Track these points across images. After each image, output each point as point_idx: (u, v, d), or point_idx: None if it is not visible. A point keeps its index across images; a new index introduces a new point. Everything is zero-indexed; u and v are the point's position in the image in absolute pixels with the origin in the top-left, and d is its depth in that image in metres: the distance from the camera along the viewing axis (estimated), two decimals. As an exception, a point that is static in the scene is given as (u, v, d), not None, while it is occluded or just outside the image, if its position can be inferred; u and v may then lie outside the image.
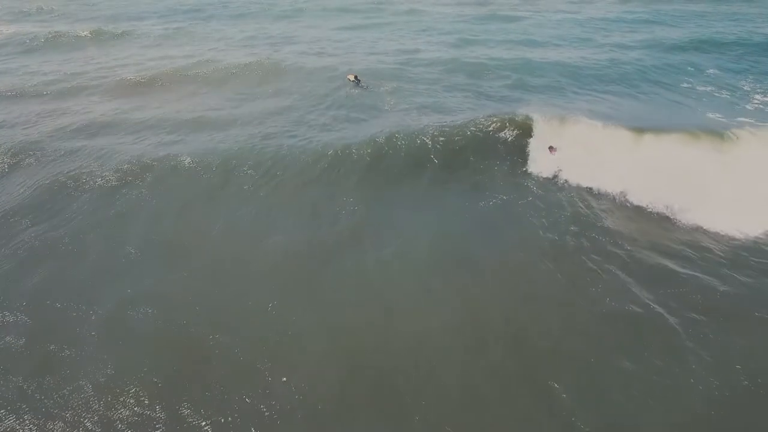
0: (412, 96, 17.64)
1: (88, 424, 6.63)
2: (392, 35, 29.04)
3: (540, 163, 13.03)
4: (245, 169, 12.63)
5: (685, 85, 19.23)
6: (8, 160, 13.37)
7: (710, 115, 15.74)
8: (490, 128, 14.15)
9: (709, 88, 18.67)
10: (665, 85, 19.35)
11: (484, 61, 21.92)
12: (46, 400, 6.89)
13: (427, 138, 13.67)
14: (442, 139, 13.68)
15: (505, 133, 14.04)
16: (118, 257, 9.70)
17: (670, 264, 9.38)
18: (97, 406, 6.83)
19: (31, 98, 18.71)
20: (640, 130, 13.48)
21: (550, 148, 13.27)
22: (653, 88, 19.03)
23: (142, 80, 19.75)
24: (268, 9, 38.26)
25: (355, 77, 19.63)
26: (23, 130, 15.50)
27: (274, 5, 39.45)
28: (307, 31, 30.46)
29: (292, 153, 13.25)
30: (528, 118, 14.29)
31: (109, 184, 12.02)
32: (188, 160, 12.78)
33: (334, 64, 22.15)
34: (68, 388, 7.07)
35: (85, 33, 28.94)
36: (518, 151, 13.54)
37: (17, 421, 6.67)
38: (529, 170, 12.88)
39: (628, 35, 28.09)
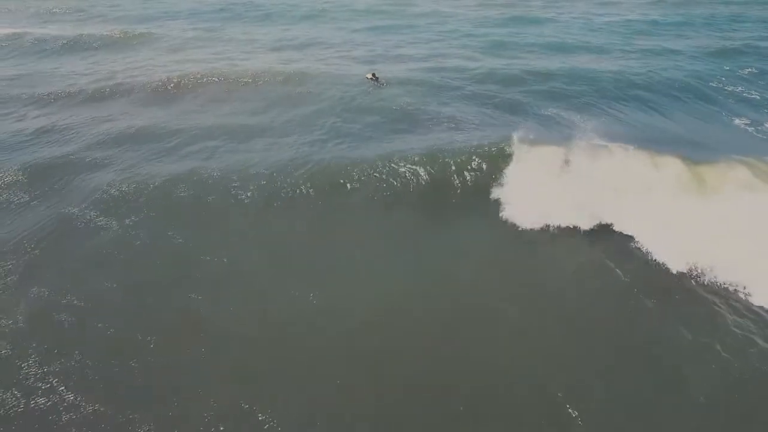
0: (437, 107, 17.35)
1: None
2: (416, 38, 28.99)
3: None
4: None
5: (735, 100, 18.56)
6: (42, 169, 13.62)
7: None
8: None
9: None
10: (710, 97, 18.76)
11: (510, 69, 21.66)
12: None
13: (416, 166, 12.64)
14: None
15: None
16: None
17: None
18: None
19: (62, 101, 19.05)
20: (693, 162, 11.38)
21: None
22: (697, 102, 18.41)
23: (170, 86, 19.87)
24: (291, 10, 38.52)
25: (373, 75, 20.35)
26: (60, 137, 15.71)
27: (296, 6, 39.70)
28: (331, 34, 30.60)
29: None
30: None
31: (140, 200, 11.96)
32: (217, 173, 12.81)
33: (356, 68, 22.37)
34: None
35: (115, 34, 29.51)
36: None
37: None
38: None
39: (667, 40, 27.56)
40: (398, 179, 12.40)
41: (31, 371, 7.62)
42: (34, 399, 7.16)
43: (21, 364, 7.70)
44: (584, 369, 7.58)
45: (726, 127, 16.48)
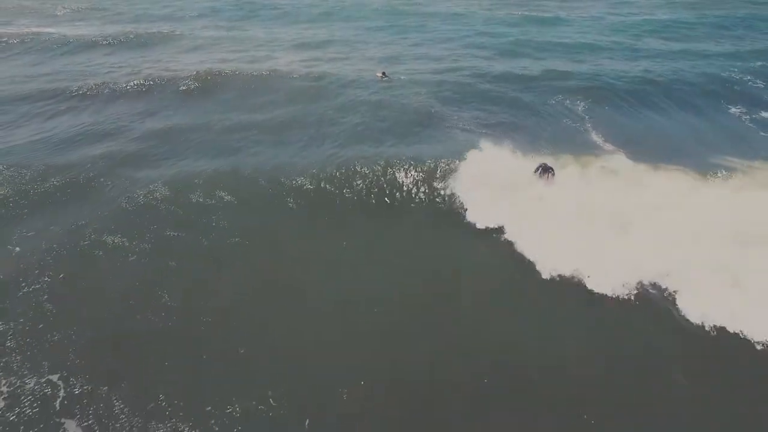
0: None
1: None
2: (433, 38, 29.57)
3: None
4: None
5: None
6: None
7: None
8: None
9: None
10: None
11: (525, 71, 22.16)
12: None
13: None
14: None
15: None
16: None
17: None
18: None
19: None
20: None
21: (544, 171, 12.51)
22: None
23: (197, 83, 20.61)
24: (309, 9, 39.42)
25: (383, 73, 21.73)
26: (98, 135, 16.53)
27: (314, 6, 40.58)
28: (346, 33, 31.39)
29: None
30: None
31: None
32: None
33: (369, 66, 23.38)
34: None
35: (141, 33, 30.57)
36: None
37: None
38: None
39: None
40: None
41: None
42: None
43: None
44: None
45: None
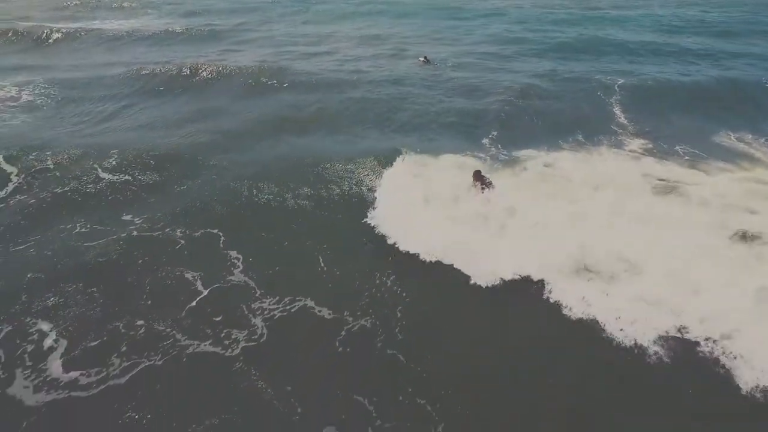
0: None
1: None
2: (478, 37, 29.33)
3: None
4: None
5: None
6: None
7: None
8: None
9: None
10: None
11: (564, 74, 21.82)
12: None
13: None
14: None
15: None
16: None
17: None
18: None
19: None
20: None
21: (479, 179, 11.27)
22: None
23: (248, 77, 21.48)
24: (355, 6, 40.01)
25: (425, 58, 23.04)
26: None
27: (361, 3, 41.14)
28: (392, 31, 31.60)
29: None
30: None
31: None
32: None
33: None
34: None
35: (191, 28, 32.14)
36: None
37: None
38: None
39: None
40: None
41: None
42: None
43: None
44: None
45: None
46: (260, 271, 9.41)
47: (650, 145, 14.62)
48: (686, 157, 13.82)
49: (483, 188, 10.92)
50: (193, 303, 8.71)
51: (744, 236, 9.52)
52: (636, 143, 14.85)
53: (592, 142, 14.87)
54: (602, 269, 8.75)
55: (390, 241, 10.02)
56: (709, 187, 11.60)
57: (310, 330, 8.09)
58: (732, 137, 15.27)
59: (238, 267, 9.57)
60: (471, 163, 12.88)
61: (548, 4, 39.75)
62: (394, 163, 12.60)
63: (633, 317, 7.73)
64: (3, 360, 7.49)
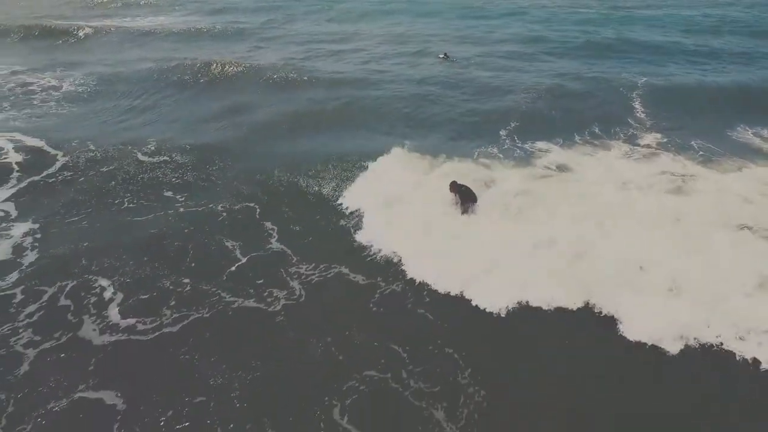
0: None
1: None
2: (500, 36, 29.78)
3: None
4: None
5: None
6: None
7: None
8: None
9: None
10: None
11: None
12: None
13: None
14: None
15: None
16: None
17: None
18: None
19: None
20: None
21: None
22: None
23: (277, 75, 22.09)
24: (379, 4, 40.85)
25: (445, 54, 24.16)
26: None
27: (385, 2, 41.90)
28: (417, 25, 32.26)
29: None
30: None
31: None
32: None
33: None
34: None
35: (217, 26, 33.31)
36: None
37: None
38: None
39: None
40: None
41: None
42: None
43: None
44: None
45: None
46: (295, 241, 10.23)
47: (673, 145, 14.48)
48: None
49: (463, 203, 10.48)
50: (234, 267, 9.53)
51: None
52: (655, 141, 14.92)
53: (608, 137, 15.20)
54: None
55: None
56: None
57: (346, 292, 8.85)
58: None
59: (274, 237, 10.39)
60: (470, 167, 12.83)
61: (572, 3, 39.99)
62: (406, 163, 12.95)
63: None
64: (72, 308, 8.45)
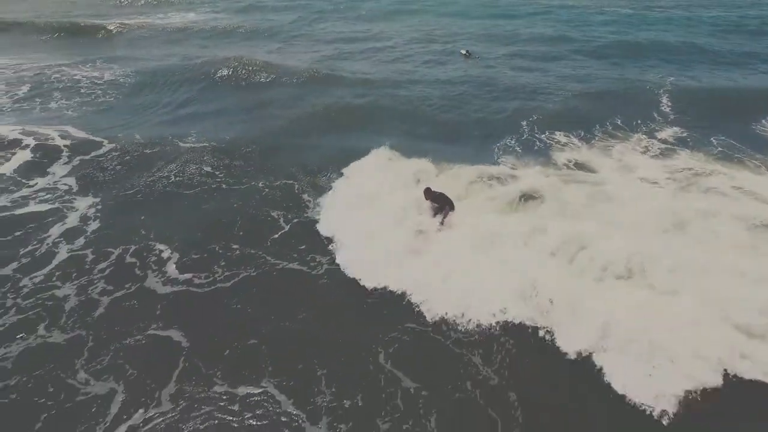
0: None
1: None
2: (527, 36, 30.40)
3: None
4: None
5: None
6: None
7: None
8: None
9: None
10: None
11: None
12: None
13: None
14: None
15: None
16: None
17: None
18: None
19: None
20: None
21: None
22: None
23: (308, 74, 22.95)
24: (406, 3, 41.82)
25: (467, 51, 25.11)
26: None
27: (411, 1, 42.85)
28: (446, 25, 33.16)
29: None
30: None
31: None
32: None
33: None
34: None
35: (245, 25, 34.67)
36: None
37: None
38: None
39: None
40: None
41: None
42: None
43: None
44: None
45: None
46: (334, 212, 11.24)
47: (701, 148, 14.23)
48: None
49: (440, 214, 10.27)
50: (277, 235, 10.65)
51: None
52: (681, 142, 14.73)
53: (630, 135, 15.60)
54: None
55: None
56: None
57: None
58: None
59: (313, 208, 11.45)
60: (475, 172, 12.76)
61: (598, 2, 40.23)
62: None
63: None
64: (137, 265, 9.72)
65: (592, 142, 14.88)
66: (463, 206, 10.76)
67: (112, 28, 35.09)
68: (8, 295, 9.02)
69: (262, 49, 28.58)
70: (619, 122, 16.10)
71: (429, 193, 10.41)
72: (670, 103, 17.76)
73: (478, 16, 36.76)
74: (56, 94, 21.43)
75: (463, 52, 25.17)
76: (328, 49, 28.69)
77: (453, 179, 12.10)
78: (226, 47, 29.50)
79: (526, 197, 11.16)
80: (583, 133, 15.34)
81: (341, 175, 12.93)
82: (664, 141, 14.90)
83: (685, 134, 15.22)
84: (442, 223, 10.15)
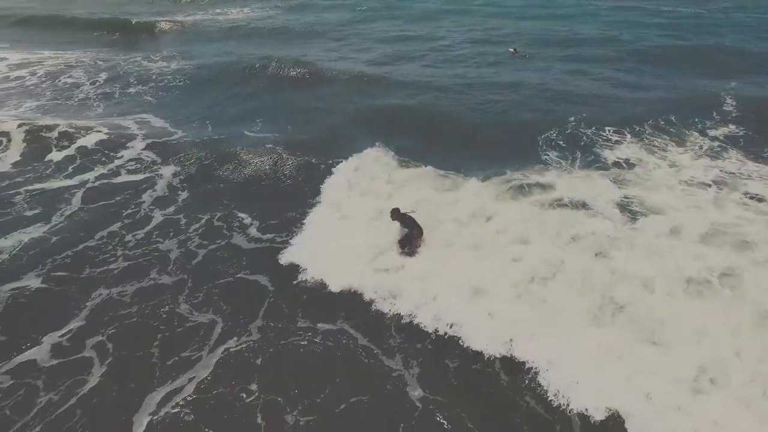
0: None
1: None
2: (579, 39, 31.01)
3: None
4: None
5: None
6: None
7: None
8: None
9: None
10: None
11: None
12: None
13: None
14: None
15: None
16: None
17: None
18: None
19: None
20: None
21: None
22: None
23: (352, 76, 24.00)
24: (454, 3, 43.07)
25: (515, 50, 26.13)
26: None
27: (458, 2, 44.03)
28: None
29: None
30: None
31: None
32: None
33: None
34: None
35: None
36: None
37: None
38: None
39: None
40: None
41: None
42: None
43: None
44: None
45: None
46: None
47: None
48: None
49: (405, 237, 10.01)
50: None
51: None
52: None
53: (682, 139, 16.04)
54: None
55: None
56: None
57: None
58: None
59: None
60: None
61: (656, 4, 40.04)
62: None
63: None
64: (225, 227, 11.53)
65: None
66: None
67: (172, 25, 37.46)
68: (118, 247, 10.88)
69: (317, 48, 29.92)
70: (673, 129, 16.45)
71: (396, 214, 10.04)
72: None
73: (530, 17, 37.34)
74: (132, 84, 23.51)
75: (511, 50, 26.15)
76: (381, 48, 29.72)
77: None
78: (281, 45, 31.09)
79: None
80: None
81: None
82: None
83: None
84: (409, 250, 9.98)
